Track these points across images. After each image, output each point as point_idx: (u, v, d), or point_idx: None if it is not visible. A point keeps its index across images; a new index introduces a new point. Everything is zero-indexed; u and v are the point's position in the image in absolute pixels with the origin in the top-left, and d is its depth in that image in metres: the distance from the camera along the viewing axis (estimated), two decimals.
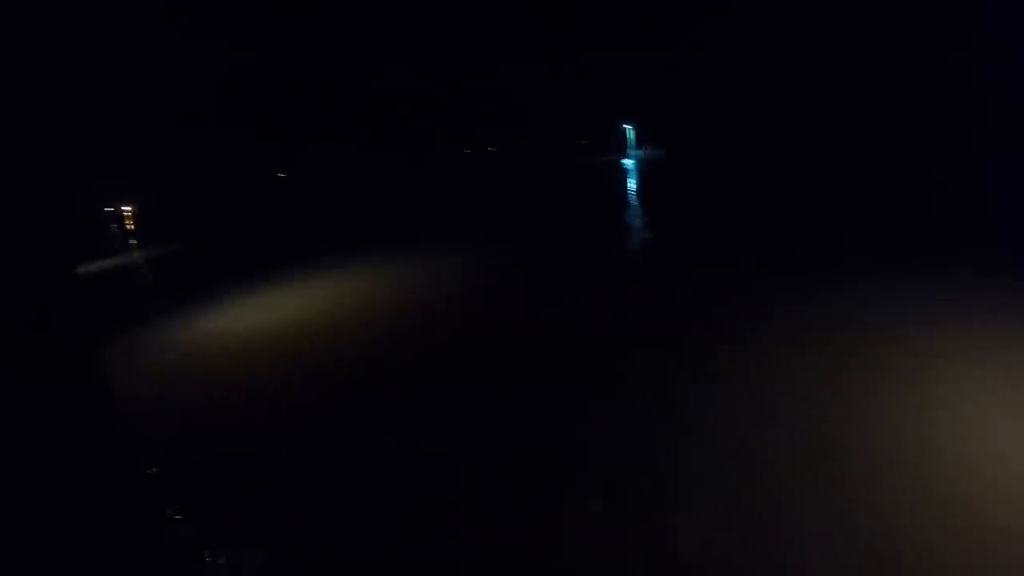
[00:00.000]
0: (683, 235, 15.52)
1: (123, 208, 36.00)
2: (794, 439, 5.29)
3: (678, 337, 8.15)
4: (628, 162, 39.66)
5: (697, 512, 4.54)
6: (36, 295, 12.98)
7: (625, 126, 43.10)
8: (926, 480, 4.59)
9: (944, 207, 15.21)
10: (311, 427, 6.83)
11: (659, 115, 41.67)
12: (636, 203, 22.10)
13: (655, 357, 7.56)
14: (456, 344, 9.02)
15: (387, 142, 41.46)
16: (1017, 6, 28.31)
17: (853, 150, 29.08)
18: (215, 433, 7.06)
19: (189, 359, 9.91)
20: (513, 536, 4.50)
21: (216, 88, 36.70)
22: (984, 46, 29.32)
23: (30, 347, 10.12)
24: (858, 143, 30.00)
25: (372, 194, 35.96)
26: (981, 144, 24.78)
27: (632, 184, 29.45)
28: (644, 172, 33.21)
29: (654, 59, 43.51)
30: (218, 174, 38.25)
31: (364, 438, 6.39)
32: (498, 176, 38.06)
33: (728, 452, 5.21)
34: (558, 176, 34.83)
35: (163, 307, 14.01)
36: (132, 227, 32.53)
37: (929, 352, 6.81)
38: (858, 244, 12.28)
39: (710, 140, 38.25)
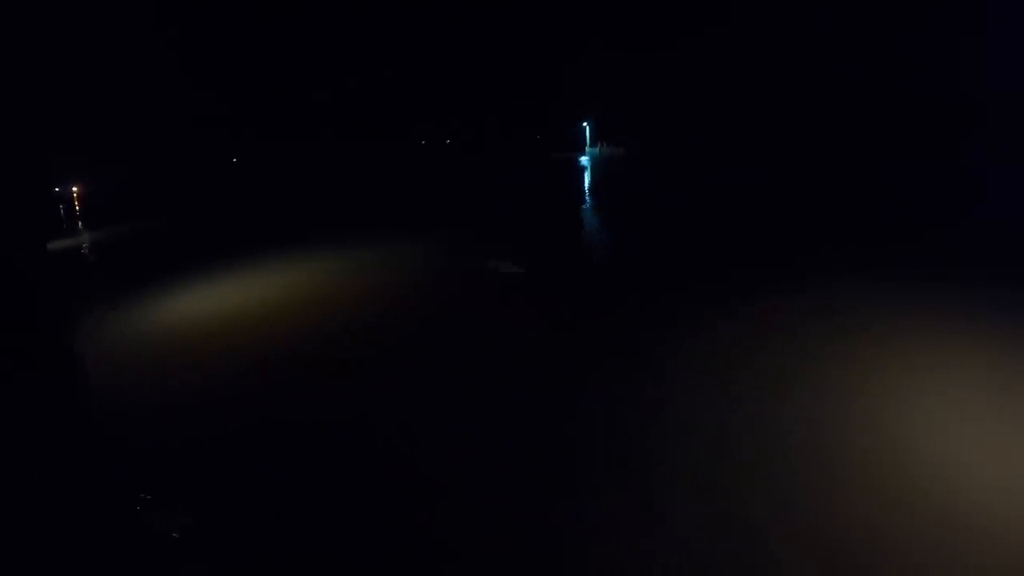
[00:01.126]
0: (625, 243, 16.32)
1: (72, 188, 35.40)
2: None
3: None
4: (584, 159, 40.23)
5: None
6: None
7: (583, 123, 43.54)
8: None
9: (902, 213, 15.98)
10: (264, 414, 7.21)
11: (619, 112, 42.16)
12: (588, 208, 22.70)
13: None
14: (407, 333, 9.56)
15: (346, 133, 41.56)
16: (1015, 6, 29.28)
17: (820, 148, 29.91)
18: (168, 423, 7.31)
19: (136, 347, 10.24)
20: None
21: (176, 73, 36.24)
22: (954, 46, 30.24)
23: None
24: (826, 141, 30.84)
25: (326, 183, 35.78)
26: (960, 144, 25.92)
27: (584, 184, 29.97)
28: (596, 172, 33.58)
29: (615, 58, 44.20)
30: (173, 158, 37.83)
31: (310, 425, 6.84)
32: (451, 168, 38.14)
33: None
34: (512, 172, 35.07)
35: (110, 293, 14.34)
36: (80, 208, 32.06)
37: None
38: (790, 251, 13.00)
39: (672, 138, 38.64)
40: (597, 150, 42.38)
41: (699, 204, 20.19)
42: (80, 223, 27.17)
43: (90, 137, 33.88)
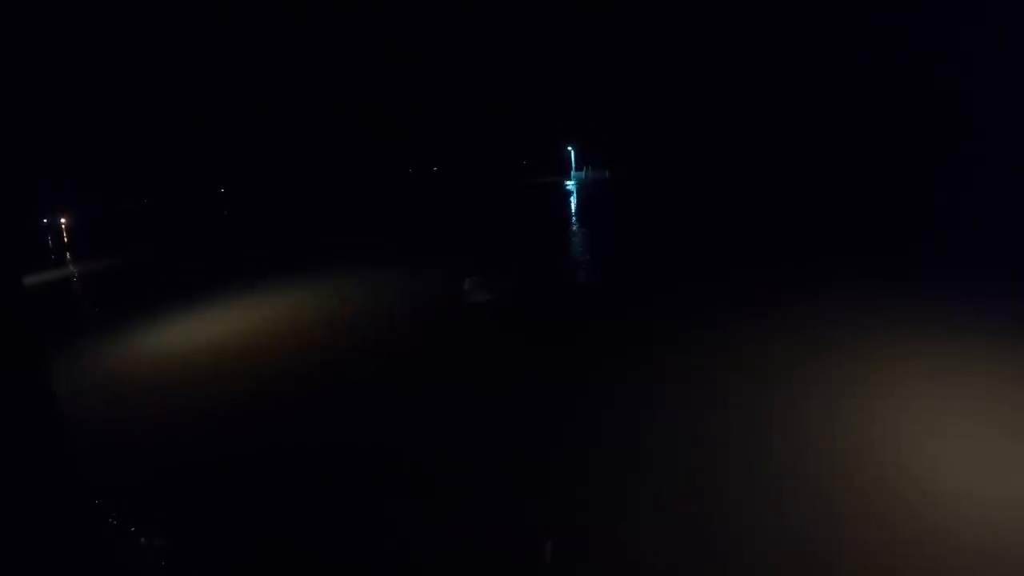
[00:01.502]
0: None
1: (61, 220, 35.39)
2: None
3: None
4: (570, 184, 40.63)
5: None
6: None
7: (568, 147, 44.09)
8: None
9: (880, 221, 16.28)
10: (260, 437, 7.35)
11: (603, 136, 42.75)
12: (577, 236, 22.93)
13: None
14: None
15: (332, 159, 41.96)
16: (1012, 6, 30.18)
17: (808, 165, 30.27)
18: (160, 450, 7.37)
19: (122, 378, 10.35)
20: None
21: (162, 101, 36.56)
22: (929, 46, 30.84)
23: None
24: (816, 155, 31.26)
25: (311, 211, 35.88)
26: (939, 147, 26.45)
27: (571, 208, 30.30)
28: (583, 198, 33.99)
29: (598, 82, 45.05)
30: (161, 187, 37.98)
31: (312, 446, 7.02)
32: (438, 195, 38.32)
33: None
34: (499, 197, 35.51)
35: (98, 324, 14.44)
36: (68, 240, 32.04)
37: None
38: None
39: (657, 161, 39.01)
40: (583, 174, 42.84)
41: (680, 227, 20.50)
42: (68, 254, 27.20)
43: (76, 167, 33.95)
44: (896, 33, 33.01)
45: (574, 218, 26.18)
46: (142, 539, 5.85)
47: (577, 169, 43.43)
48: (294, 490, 6.27)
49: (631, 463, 6.08)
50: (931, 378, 7.25)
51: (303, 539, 5.45)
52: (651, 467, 5.97)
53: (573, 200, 32.64)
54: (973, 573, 4.31)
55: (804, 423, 6.50)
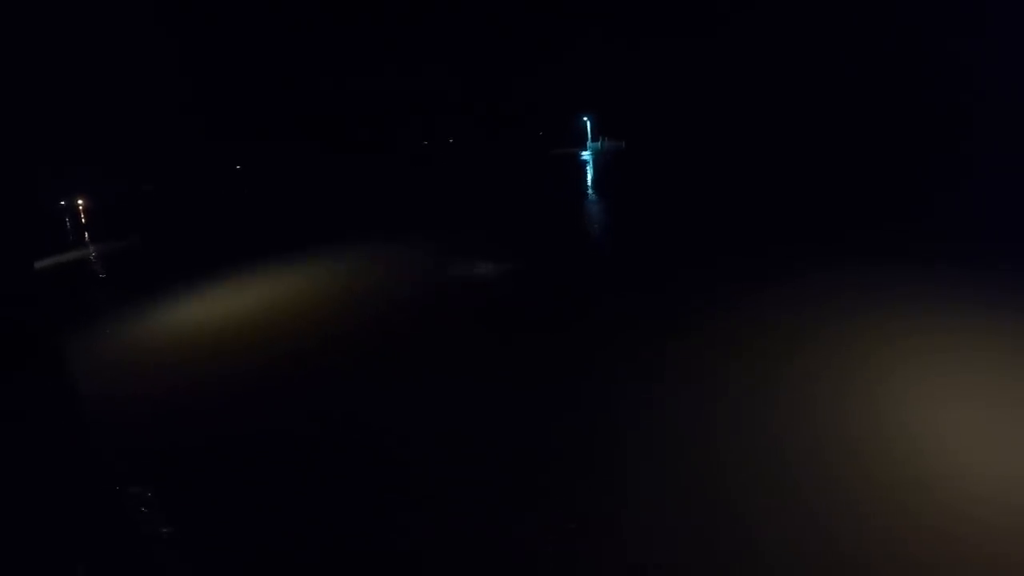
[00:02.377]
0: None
1: (78, 202, 35.82)
2: None
3: None
4: (586, 154, 40.11)
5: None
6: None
7: (584, 118, 43.51)
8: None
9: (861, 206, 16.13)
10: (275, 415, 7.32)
11: (618, 106, 42.12)
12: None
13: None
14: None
15: (349, 137, 41.73)
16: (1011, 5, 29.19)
17: (818, 144, 29.38)
18: (179, 424, 7.41)
19: (134, 354, 10.39)
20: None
21: (175, 84, 36.56)
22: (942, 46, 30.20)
23: None
24: (824, 137, 30.40)
25: (334, 188, 35.96)
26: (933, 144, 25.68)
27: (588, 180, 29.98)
28: (597, 169, 33.57)
29: (614, 52, 44.11)
30: (175, 169, 38.16)
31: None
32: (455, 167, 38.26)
33: None
34: (514, 169, 35.16)
35: (119, 302, 14.54)
36: (86, 221, 32.45)
37: None
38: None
39: (672, 131, 38.47)
40: (598, 144, 42.33)
41: (695, 199, 20.10)
42: (86, 235, 27.57)
43: (93, 150, 34.23)
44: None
45: (589, 190, 25.81)
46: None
47: (593, 140, 42.91)
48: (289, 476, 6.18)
49: (633, 443, 5.91)
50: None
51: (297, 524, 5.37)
52: (651, 450, 5.80)
53: (589, 171, 32.19)
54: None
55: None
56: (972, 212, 13.94)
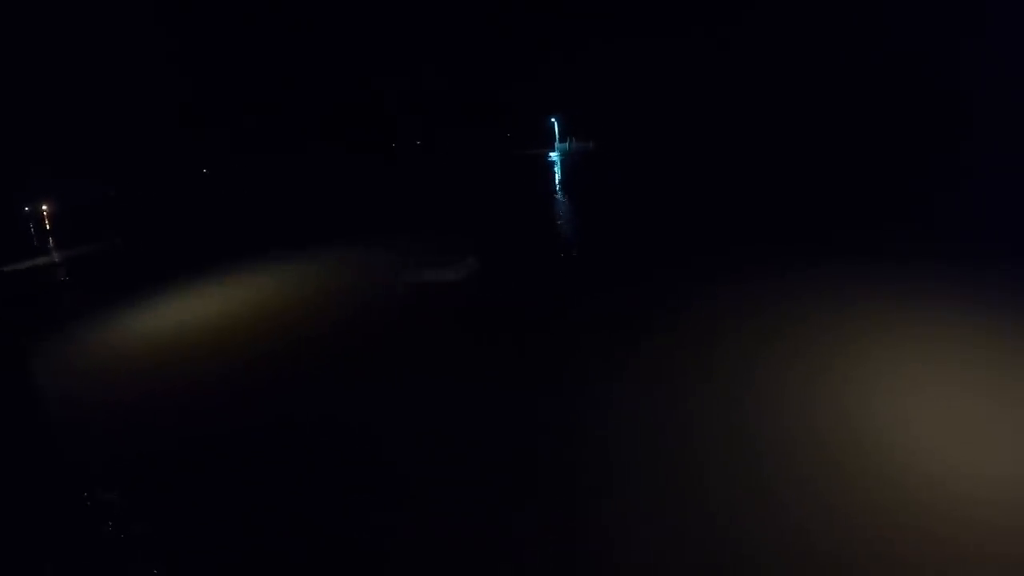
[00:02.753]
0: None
1: (41, 207, 35.31)
2: None
3: None
4: (553, 155, 40.32)
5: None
6: None
7: (551, 119, 43.54)
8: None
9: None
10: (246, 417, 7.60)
11: (587, 107, 42.17)
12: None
13: None
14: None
15: (317, 139, 41.64)
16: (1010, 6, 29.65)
17: (811, 144, 28.86)
18: (144, 429, 7.58)
19: (110, 359, 10.54)
20: None
21: (145, 88, 36.25)
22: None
23: None
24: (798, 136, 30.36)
25: (297, 192, 35.55)
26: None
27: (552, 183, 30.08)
28: (564, 170, 33.48)
29: (583, 53, 44.44)
30: (140, 173, 37.78)
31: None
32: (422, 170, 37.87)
33: None
34: (482, 170, 35.20)
35: (81, 309, 14.53)
36: (49, 227, 31.97)
37: None
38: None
39: (642, 133, 38.41)
40: (566, 145, 42.50)
41: (666, 199, 20.42)
42: (50, 241, 27.25)
43: (58, 154, 33.78)
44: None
45: (555, 189, 26.12)
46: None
47: (561, 141, 43.05)
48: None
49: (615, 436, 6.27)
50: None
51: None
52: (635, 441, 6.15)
53: (556, 171, 32.34)
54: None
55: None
56: (971, 212, 13.86)
